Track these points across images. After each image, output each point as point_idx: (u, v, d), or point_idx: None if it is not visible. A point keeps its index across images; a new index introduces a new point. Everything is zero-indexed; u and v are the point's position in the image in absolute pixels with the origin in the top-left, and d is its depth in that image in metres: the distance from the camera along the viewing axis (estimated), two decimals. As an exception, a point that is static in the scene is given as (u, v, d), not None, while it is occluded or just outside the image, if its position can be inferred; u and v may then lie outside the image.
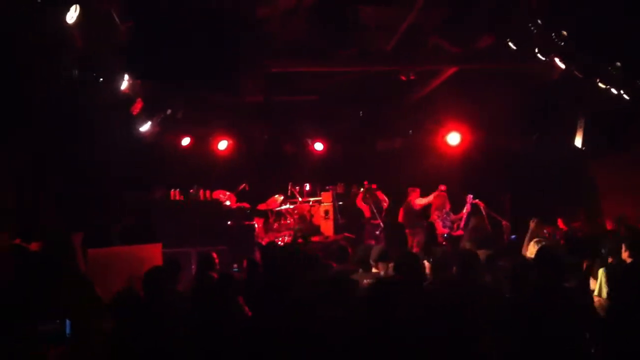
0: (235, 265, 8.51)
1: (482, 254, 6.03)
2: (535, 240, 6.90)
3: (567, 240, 7.99)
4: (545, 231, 8.85)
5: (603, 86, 8.48)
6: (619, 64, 8.29)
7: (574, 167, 11.75)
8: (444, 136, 12.78)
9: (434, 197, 11.50)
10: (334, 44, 9.65)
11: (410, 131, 13.51)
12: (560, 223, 10.37)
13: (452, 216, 11.27)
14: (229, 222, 10.51)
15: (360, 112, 13.25)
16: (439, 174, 12.30)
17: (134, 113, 9.31)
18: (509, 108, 10.88)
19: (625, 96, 8.42)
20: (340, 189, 13.21)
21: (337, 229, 12.38)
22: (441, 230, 11.10)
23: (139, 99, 9.30)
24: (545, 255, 5.10)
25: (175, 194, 10.37)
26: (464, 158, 12.62)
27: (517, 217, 10.87)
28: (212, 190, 11.00)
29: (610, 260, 6.26)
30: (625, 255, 5.94)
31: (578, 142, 10.62)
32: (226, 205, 11.00)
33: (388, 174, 12.77)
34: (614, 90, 8.54)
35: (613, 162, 11.40)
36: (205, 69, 9.35)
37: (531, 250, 6.61)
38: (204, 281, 6.04)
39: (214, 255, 6.66)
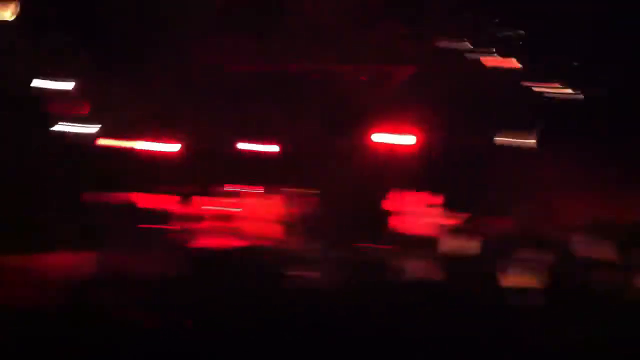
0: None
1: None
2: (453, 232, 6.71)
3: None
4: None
5: (558, 86, 8.37)
6: (575, 63, 8.18)
7: (527, 164, 11.73)
8: (399, 136, 12.52)
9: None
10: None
11: (368, 129, 13.20)
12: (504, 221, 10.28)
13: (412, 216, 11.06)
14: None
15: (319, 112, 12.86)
16: (394, 175, 12.07)
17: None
18: (466, 107, 10.77)
19: (580, 95, 8.32)
20: (291, 192, 12.80)
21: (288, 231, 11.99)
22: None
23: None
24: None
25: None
26: (420, 158, 12.42)
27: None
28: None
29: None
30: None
31: (532, 140, 10.62)
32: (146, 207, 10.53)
33: (344, 175, 12.45)
34: (569, 90, 8.47)
35: (563, 158, 11.42)
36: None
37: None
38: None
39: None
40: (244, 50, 9.98)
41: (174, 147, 12.13)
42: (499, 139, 11.43)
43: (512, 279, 5.95)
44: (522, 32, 7.71)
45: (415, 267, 5.75)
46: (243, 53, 10.23)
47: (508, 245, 6.45)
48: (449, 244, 6.36)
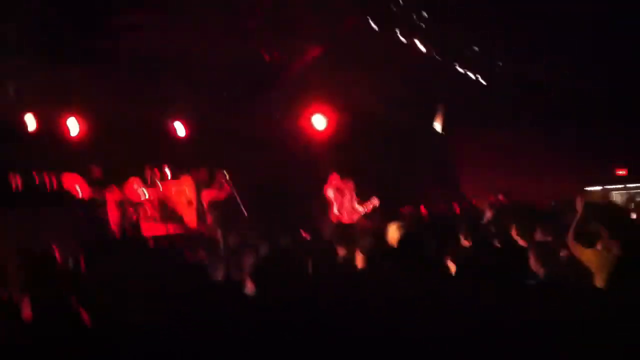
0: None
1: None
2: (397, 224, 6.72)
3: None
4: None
5: (461, 70, 8.53)
6: (476, 48, 8.35)
7: (436, 150, 11.96)
8: (310, 119, 12.49)
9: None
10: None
11: (277, 115, 13.08)
12: (422, 208, 10.45)
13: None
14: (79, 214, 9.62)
15: (224, 93, 12.61)
16: (308, 159, 12.06)
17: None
18: (377, 90, 10.80)
19: (482, 81, 8.53)
20: (202, 174, 12.51)
21: (200, 218, 11.75)
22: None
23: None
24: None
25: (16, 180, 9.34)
26: (331, 142, 12.43)
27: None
28: (59, 175, 10.03)
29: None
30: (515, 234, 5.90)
31: (437, 126, 10.78)
32: (75, 195, 10.06)
33: (251, 160, 12.29)
34: (470, 74, 8.65)
35: (469, 143, 11.74)
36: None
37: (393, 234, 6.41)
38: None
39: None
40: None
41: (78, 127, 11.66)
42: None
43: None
44: (425, 14, 7.82)
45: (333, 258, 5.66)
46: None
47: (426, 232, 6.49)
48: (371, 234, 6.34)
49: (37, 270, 5.71)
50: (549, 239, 5.60)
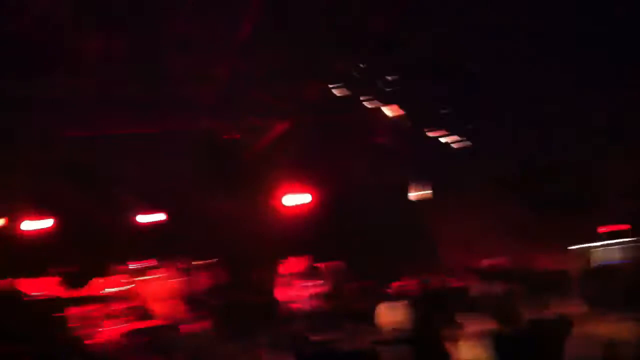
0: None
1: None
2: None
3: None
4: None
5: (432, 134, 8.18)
6: (445, 110, 8.05)
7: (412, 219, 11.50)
8: (280, 197, 12.00)
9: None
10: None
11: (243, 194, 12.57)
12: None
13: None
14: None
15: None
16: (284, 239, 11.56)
17: None
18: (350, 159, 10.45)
19: (456, 141, 8.15)
20: (181, 263, 11.89)
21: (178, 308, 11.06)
22: None
23: None
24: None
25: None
26: (304, 219, 11.94)
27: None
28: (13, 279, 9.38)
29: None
30: None
31: (412, 194, 10.39)
32: (29, 296, 9.36)
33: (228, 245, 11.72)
34: (444, 139, 8.31)
35: (444, 209, 11.32)
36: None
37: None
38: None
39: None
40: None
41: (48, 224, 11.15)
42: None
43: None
44: (389, 78, 7.52)
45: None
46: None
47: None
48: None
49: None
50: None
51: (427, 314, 5.34)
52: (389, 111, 8.05)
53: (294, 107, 9.17)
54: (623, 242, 10.66)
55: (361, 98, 7.98)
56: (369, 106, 8.16)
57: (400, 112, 8.20)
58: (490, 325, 5.36)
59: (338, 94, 8.09)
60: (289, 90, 8.67)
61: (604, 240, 11.06)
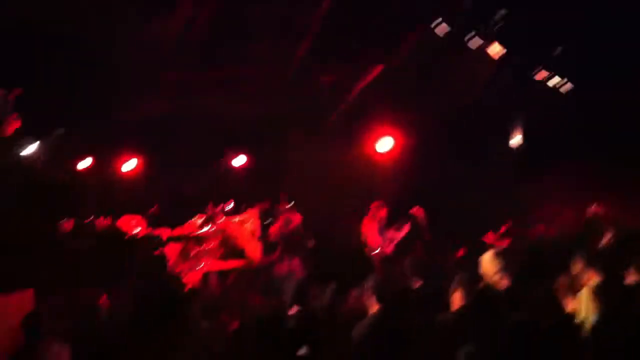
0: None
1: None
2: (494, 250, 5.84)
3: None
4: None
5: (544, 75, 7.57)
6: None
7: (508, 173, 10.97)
8: (374, 143, 11.76)
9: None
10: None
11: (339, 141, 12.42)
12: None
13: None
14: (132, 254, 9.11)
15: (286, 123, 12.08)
16: (372, 186, 11.33)
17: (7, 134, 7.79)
18: (442, 110, 10.00)
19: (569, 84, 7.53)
20: (266, 205, 11.99)
21: (266, 250, 11.17)
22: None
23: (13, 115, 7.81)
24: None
25: (68, 226, 8.92)
26: (397, 167, 11.65)
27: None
28: (115, 217, 9.65)
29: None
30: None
31: (516, 141, 9.80)
32: (130, 234, 9.61)
33: (315, 189, 11.65)
34: (555, 80, 7.68)
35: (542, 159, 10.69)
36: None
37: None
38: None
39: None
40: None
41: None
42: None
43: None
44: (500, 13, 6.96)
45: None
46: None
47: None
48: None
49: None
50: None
51: (537, 264, 4.99)
52: (493, 50, 7.52)
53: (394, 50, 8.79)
54: None
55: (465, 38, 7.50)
56: (472, 46, 7.66)
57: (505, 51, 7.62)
58: (599, 277, 5.00)
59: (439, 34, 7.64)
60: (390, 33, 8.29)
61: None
